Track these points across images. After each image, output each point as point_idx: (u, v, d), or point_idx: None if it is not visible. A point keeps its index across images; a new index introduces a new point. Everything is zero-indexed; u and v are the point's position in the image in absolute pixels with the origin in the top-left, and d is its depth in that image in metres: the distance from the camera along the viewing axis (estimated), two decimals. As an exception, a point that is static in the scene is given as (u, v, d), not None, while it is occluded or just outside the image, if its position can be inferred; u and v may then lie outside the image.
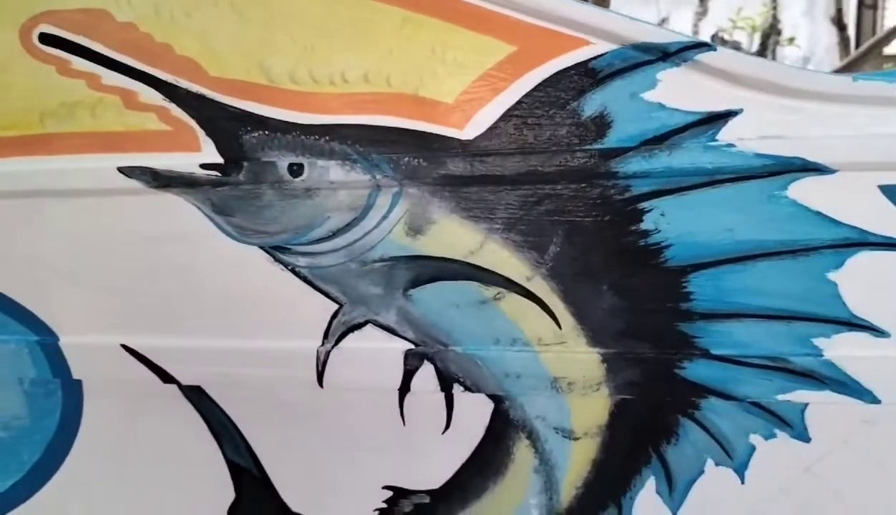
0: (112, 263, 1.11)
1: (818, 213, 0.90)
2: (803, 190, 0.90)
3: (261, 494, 1.15)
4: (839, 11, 6.20)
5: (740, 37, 7.22)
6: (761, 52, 6.79)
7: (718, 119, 0.90)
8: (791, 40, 7.63)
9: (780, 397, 0.94)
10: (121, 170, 1.06)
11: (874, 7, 6.96)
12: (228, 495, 1.16)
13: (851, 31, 7.09)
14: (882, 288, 0.91)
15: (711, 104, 0.90)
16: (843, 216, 0.89)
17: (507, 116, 0.95)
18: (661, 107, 0.91)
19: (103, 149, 1.07)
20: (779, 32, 7.12)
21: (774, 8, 6.92)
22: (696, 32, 8.49)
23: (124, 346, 1.12)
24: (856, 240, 0.90)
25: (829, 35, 7.33)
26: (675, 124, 0.91)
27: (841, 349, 0.92)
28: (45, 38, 1.07)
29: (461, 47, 0.96)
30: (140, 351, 1.11)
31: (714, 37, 6.82)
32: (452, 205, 0.99)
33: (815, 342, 0.92)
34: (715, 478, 0.99)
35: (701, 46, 0.90)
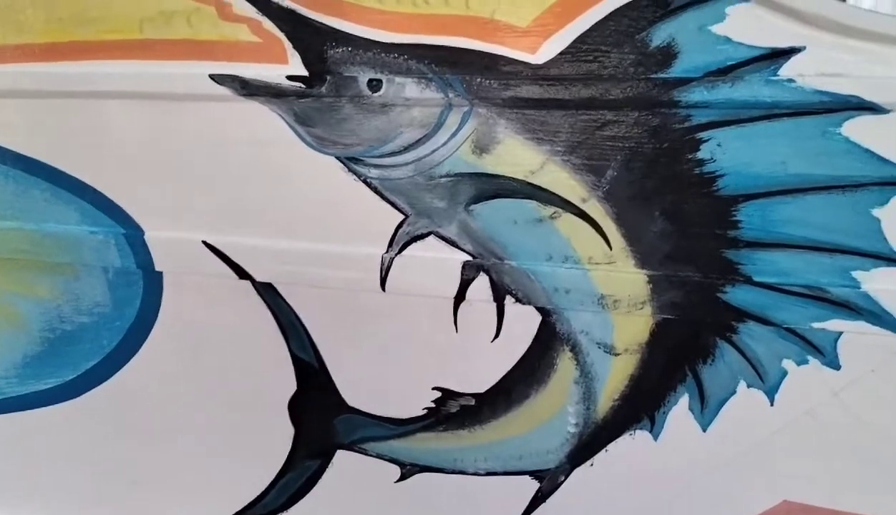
0: (198, 165, 1.20)
1: (869, 151, 0.94)
2: (857, 128, 0.94)
3: (320, 388, 1.25)
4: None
5: None
6: None
7: (781, 55, 0.94)
8: None
9: (816, 325, 1.00)
10: (212, 77, 1.14)
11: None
12: (290, 387, 1.27)
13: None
14: (924, 227, 0.95)
15: (776, 40, 0.94)
16: (893, 155, 0.94)
17: (577, 43, 1.01)
18: (728, 40, 0.96)
19: (197, 56, 1.16)
20: None
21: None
22: None
23: (205, 243, 1.21)
24: (903, 179, 0.94)
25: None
26: (739, 58, 0.95)
27: (878, 282, 0.97)
28: (148, -52, 1.15)
29: (539, -26, 1.01)
30: (220, 248, 1.21)
31: None
32: (518, 126, 1.06)
33: (854, 274, 0.98)
34: (746, 399, 1.06)
35: (770, -17, 0.94)
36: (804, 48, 0.94)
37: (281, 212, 1.18)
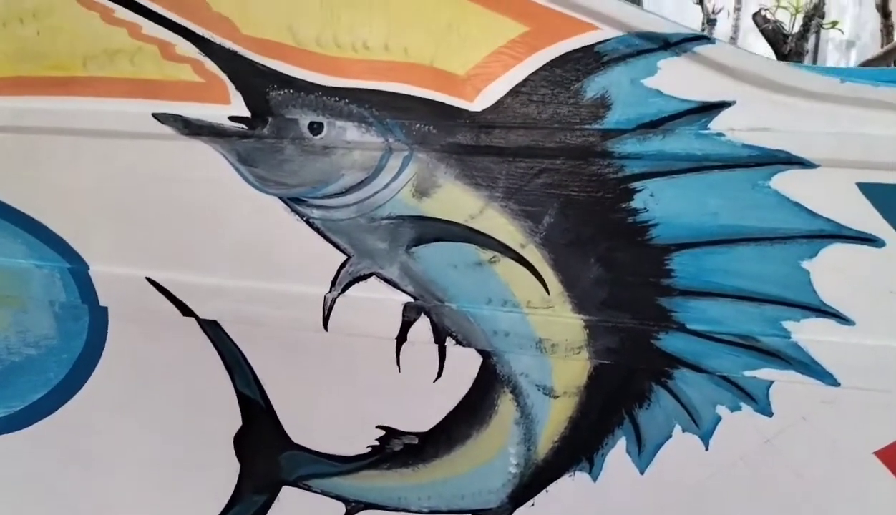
0: (142, 201, 1.20)
1: (798, 204, 0.95)
2: (786, 181, 0.95)
3: (265, 425, 1.25)
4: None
5: (783, 16, 7.07)
6: (803, 34, 6.65)
7: (712, 108, 0.96)
8: (834, 24, 7.46)
9: (748, 373, 1.01)
10: (155, 116, 1.14)
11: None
12: (236, 423, 1.27)
13: (896, 18, 6.91)
14: (852, 280, 0.96)
15: (706, 94, 0.96)
16: (822, 209, 0.95)
17: (514, 92, 1.01)
18: (659, 93, 0.97)
19: (140, 95, 1.15)
20: (822, 15, 6.96)
21: (821, -10, 6.74)
22: (738, 9, 8.32)
23: (149, 279, 1.21)
24: (831, 233, 0.95)
25: (876, 18, 7.17)
26: (670, 111, 0.96)
27: (808, 333, 0.98)
28: (92, -14, 1.15)
29: (476, 24, 1.02)
30: (163, 285, 1.21)
31: (756, 14, 6.69)
32: (458, 171, 1.06)
33: (784, 324, 0.99)
34: (681, 443, 1.07)
35: (701, 39, 0.95)
36: (734, 102, 0.95)
37: (224, 250, 1.18)
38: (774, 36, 6.52)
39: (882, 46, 6.09)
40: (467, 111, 1.04)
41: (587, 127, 0.99)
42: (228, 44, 1.10)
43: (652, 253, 1.01)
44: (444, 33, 1.03)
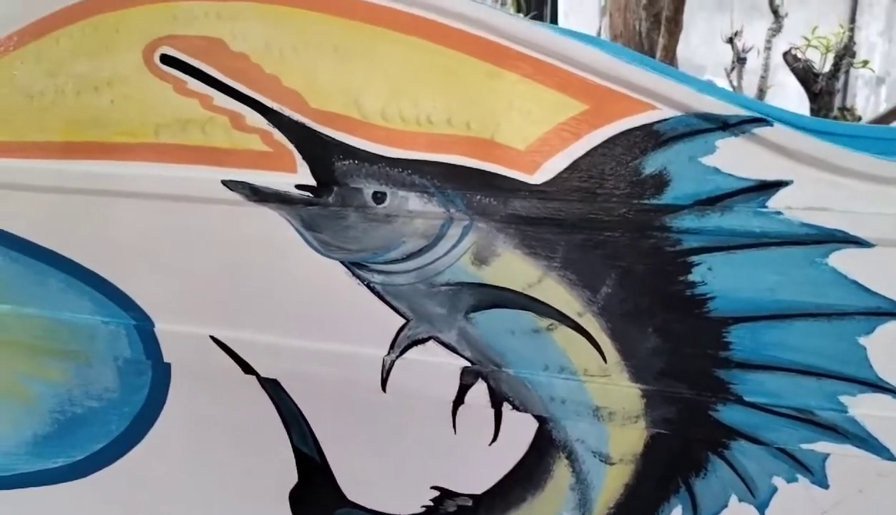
0: (209, 263, 1.24)
1: (854, 282, 0.97)
2: (843, 259, 0.97)
3: (321, 481, 1.28)
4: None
5: (813, 55, 7.08)
6: (834, 73, 6.66)
7: (769, 187, 0.98)
8: (865, 63, 7.45)
9: (804, 446, 1.02)
10: (224, 183, 1.19)
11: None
12: (292, 479, 1.30)
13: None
14: (909, 357, 0.98)
15: (764, 173, 0.98)
16: (878, 287, 0.97)
17: (573, 167, 1.05)
18: (717, 171, 0.99)
19: (210, 162, 1.20)
20: (853, 55, 6.96)
21: (851, 30, 6.75)
22: (768, 47, 8.35)
23: (213, 337, 1.25)
24: (887, 310, 0.97)
25: (907, 55, 7.15)
26: (728, 188, 0.99)
27: (864, 408, 0.99)
28: (166, 59, 1.21)
29: (538, 101, 1.06)
30: (227, 343, 1.25)
31: (787, 53, 6.70)
32: (517, 241, 1.10)
33: (840, 399, 1.00)
34: (737, 513, 1.08)
35: (759, 121, 0.98)
36: (792, 182, 0.98)
37: (287, 311, 1.22)
38: (805, 75, 6.52)
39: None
40: (527, 183, 1.07)
41: (645, 202, 1.02)
42: (297, 116, 1.15)
43: (709, 325, 1.03)
44: (506, 109, 1.07)
